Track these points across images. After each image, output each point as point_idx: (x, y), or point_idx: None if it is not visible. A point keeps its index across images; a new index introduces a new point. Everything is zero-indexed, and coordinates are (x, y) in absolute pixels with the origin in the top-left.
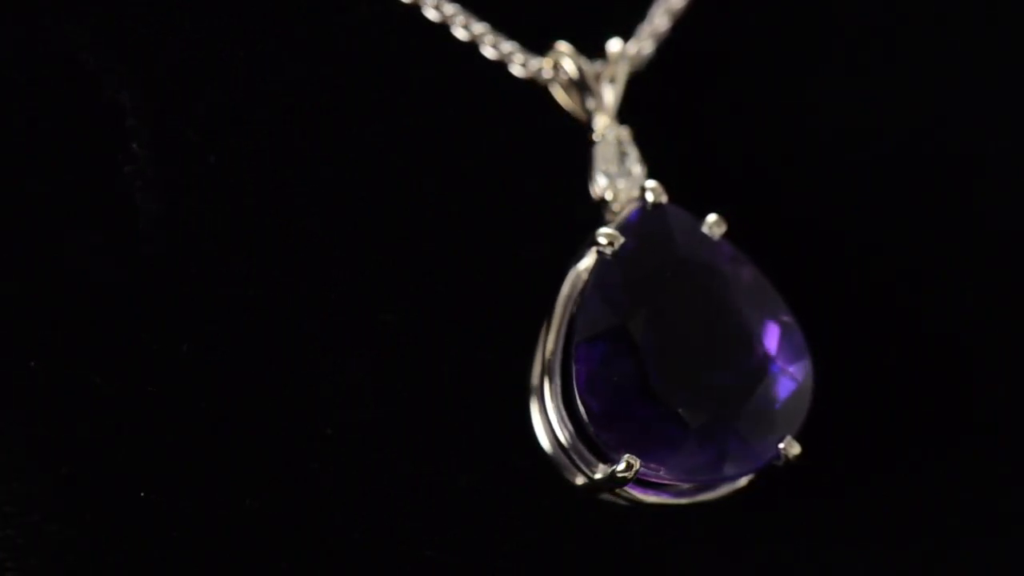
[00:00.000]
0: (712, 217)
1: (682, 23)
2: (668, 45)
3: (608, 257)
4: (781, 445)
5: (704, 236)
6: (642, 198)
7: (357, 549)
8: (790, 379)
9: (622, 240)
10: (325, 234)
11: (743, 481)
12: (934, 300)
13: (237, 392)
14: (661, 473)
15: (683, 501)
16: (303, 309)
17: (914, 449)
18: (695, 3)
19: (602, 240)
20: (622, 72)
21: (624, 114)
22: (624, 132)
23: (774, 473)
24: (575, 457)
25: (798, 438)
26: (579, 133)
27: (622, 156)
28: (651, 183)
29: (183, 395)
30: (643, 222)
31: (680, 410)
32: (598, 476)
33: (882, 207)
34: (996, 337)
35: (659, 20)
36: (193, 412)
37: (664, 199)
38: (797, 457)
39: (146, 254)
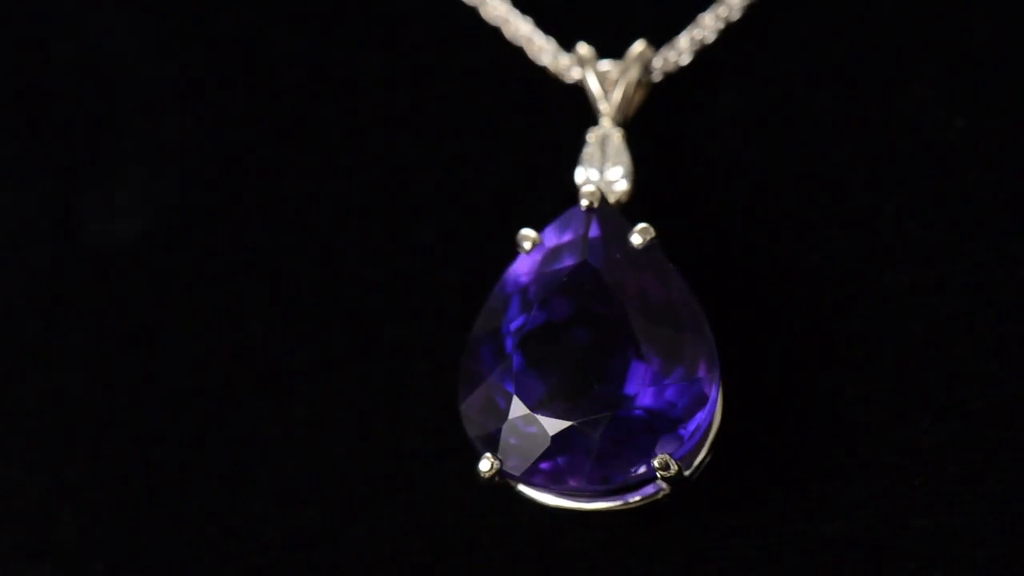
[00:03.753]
0: (640, 225)
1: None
2: (708, 50)
3: (525, 257)
4: (655, 462)
5: (627, 243)
6: (578, 201)
7: (356, 549)
8: (683, 397)
9: (539, 241)
10: (323, 231)
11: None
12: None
13: (222, 388)
14: (524, 475)
15: (581, 507)
16: (301, 308)
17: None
18: (748, 11)
19: (524, 243)
20: (633, 74)
21: (639, 117)
22: (616, 134)
23: (699, 486)
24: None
25: (706, 456)
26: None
27: (604, 158)
28: (588, 187)
29: (179, 392)
30: (569, 225)
31: (539, 416)
32: None
33: (881, 216)
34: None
35: (707, 23)
36: (179, 409)
37: (596, 203)
38: (678, 475)
39: (147, 248)
